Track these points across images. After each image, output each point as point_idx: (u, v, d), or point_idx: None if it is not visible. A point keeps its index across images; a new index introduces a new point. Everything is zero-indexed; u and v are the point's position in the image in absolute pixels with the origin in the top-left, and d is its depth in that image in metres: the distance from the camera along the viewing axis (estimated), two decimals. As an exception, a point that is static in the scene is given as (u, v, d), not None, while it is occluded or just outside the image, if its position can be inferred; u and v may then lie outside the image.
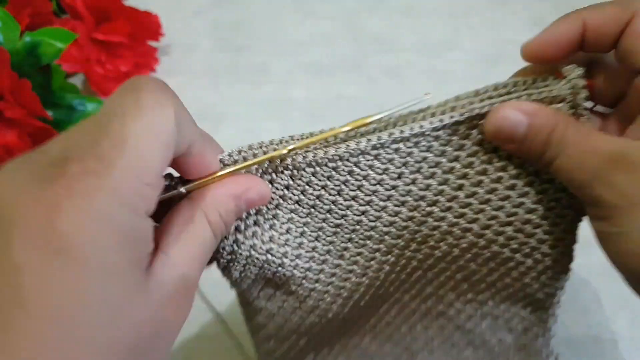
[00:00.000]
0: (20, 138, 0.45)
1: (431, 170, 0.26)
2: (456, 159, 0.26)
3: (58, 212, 0.17)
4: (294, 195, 0.26)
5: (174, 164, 0.22)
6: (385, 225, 0.27)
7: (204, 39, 0.57)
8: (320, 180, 0.26)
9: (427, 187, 0.27)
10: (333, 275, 0.29)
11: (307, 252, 0.28)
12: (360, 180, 0.26)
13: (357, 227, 0.27)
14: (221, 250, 0.25)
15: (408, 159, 0.26)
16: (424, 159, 0.26)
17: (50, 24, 0.49)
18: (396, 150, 0.26)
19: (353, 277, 0.29)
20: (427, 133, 0.25)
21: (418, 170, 0.26)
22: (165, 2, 0.57)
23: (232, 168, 0.23)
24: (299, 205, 0.26)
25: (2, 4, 0.47)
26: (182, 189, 0.23)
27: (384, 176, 0.26)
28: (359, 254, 0.28)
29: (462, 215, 0.27)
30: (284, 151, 0.24)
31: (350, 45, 0.57)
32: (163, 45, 0.55)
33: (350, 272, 0.29)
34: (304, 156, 0.25)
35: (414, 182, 0.26)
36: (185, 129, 0.20)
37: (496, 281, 0.30)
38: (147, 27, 0.52)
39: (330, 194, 0.26)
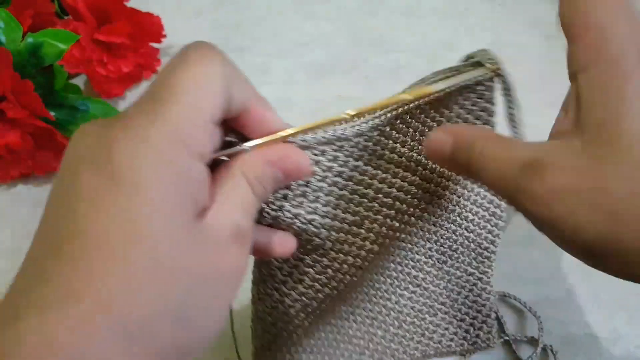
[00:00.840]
0: (23, 138, 0.45)
1: (377, 153, 0.31)
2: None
3: (114, 144, 0.18)
4: (334, 169, 0.29)
5: (237, 123, 0.24)
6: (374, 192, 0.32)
7: (205, 39, 0.56)
8: (343, 156, 0.29)
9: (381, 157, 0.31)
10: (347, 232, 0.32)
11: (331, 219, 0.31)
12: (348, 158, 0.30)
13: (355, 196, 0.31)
14: (265, 215, 0.27)
15: (359, 146, 0.30)
16: (366, 147, 0.30)
17: (52, 25, 0.49)
18: (356, 143, 0.29)
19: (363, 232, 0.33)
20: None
21: (371, 154, 0.30)
22: (166, 3, 0.58)
23: (290, 131, 0.25)
24: (327, 179, 0.29)
25: (4, 5, 0.47)
26: (247, 146, 0.24)
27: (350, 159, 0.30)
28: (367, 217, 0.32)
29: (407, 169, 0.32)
30: (346, 115, 0.27)
31: (350, 46, 0.57)
32: (164, 46, 0.55)
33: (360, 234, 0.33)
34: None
35: (368, 162, 0.30)
36: (237, 85, 0.22)
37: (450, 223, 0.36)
38: (148, 28, 0.52)
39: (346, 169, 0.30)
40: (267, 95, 0.58)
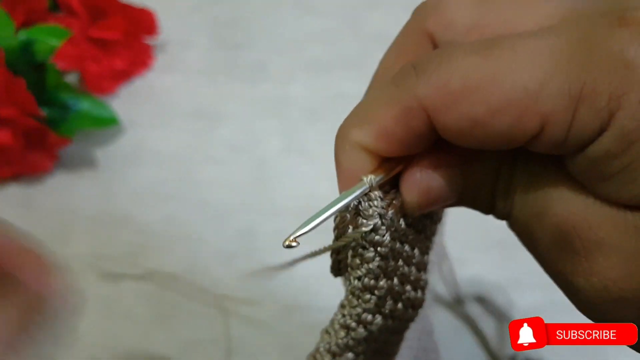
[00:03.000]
0: (15, 137, 0.44)
1: None
2: None
3: None
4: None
5: None
6: None
7: (201, 36, 0.56)
8: None
9: None
10: None
11: None
12: None
13: None
14: None
15: None
16: None
17: (45, 20, 0.48)
18: None
19: None
20: None
21: None
22: (162, -2, 0.57)
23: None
24: None
25: (-5, 1, 0.47)
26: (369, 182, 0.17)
27: None
28: None
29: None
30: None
31: (351, 43, 0.56)
32: (159, 42, 0.54)
33: None
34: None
35: None
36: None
37: None
38: (143, 23, 0.51)
39: None
40: (266, 93, 0.58)
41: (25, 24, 0.46)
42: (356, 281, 0.18)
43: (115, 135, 0.49)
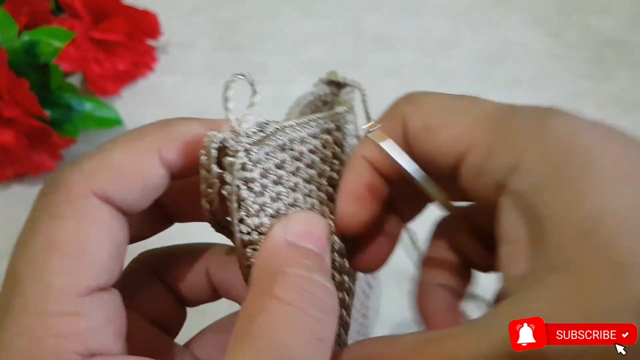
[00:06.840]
0: (18, 138, 0.44)
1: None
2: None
3: None
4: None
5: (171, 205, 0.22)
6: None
7: (203, 37, 0.56)
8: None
9: None
10: None
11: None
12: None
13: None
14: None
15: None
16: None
17: (48, 22, 0.48)
18: None
19: None
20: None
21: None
22: (164, 0, 0.57)
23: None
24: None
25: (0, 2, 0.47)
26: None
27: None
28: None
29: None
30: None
31: (350, 44, 0.56)
32: (161, 43, 0.54)
33: None
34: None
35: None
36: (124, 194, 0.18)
37: None
38: (145, 25, 0.52)
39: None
40: (266, 94, 0.57)
41: (29, 25, 0.46)
42: (240, 225, 0.18)
43: (118, 136, 0.50)
